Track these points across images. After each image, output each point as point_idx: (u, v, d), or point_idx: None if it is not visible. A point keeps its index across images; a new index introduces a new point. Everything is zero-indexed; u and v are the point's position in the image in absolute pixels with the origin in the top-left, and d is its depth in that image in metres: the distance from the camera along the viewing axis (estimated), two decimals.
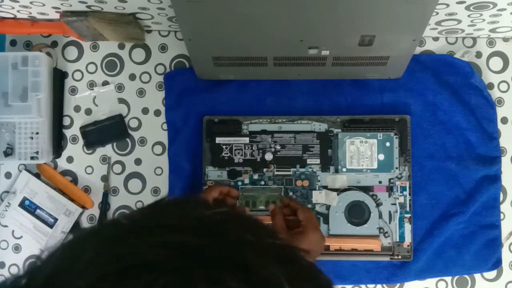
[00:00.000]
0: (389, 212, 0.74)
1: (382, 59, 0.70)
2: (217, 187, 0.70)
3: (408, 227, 0.74)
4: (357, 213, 0.74)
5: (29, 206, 0.78)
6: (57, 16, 0.72)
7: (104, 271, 0.23)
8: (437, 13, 0.66)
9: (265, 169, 0.75)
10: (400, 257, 0.74)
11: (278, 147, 0.75)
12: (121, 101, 0.80)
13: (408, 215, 0.74)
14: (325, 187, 0.75)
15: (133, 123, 0.80)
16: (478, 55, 0.79)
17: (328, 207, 0.74)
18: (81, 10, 0.69)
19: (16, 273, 0.25)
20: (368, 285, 0.77)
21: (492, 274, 0.76)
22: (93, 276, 0.23)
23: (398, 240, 0.74)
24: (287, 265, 0.26)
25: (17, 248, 0.79)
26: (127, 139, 0.79)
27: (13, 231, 0.78)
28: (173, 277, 0.22)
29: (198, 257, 0.24)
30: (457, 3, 0.61)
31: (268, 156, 0.75)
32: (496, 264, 0.75)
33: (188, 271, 0.23)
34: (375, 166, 0.74)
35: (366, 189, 0.74)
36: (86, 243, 0.26)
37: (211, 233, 0.26)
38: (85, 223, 0.79)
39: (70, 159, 0.79)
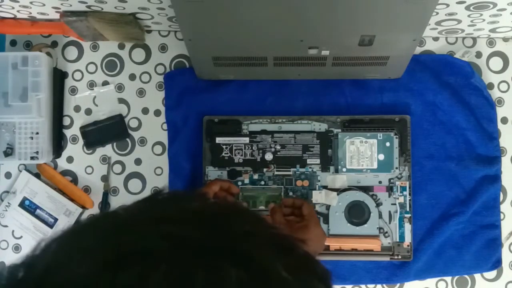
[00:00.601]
0: (389, 212, 0.74)
1: (382, 59, 0.70)
2: (218, 181, 0.71)
3: (408, 227, 0.74)
4: (357, 213, 0.74)
5: (29, 206, 0.78)
6: (57, 16, 0.72)
7: (104, 259, 0.23)
8: (437, 13, 0.66)
9: (265, 169, 0.75)
10: (400, 257, 0.74)
11: (278, 147, 0.75)
12: (121, 101, 0.80)
13: (408, 215, 0.74)
14: (325, 187, 0.75)
15: (133, 123, 0.80)
16: (478, 55, 0.79)
17: (328, 207, 0.74)
18: (81, 10, 0.69)
19: (12, 264, 0.25)
20: (368, 285, 0.77)
21: (492, 274, 0.76)
22: (92, 264, 0.23)
23: (398, 240, 0.74)
24: (285, 254, 0.26)
25: (17, 248, 0.79)
26: (127, 139, 0.79)
27: (13, 231, 0.78)
28: (173, 266, 0.22)
29: (197, 247, 0.24)
30: (457, 3, 0.61)
31: (268, 156, 0.75)
32: (496, 264, 0.75)
33: (188, 260, 0.23)
34: (375, 166, 0.74)
35: (366, 189, 0.74)
36: (84, 233, 0.26)
37: (210, 224, 0.26)
38: None
39: (70, 159, 0.79)
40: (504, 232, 0.77)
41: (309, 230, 0.63)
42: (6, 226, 0.78)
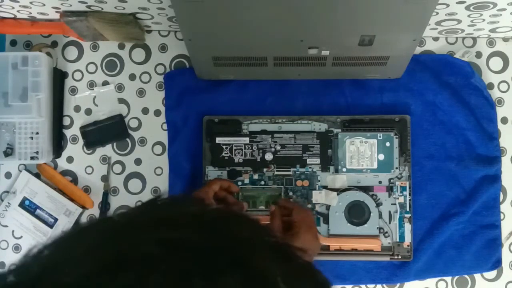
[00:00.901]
0: (389, 212, 0.74)
1: (382, 59, 0.70)
2: (218, 180, 0.71)
3: (408, 227, 0.74)
4: (357, 213, 0.74)
5: (29, 206, 0.78)
6: (57, 16, 0.72)
7: (103, 262, 0.23)
8: (437, 13, 0.66)
9: (265, 169, 0.75)
10: (400, 257, 0.74)
11: (278, 147, 0.75)
12: (121, 101, 0.80)
13: (408, 215, 0.74)
14: (325, 187, 0.75)
15: (133, 123, 0.80)
16: (478, 55, 0.79)
17: (328, 207, 0.74)
18: (81, 10, 0.69)
19: (8, 267, 0.24)
20: (368, 285, 0.77)
21: (492, 274, 0.76)
22: (91, 266, 0.23)
23: (398, 240, 0.74)
24: (283, 262, 0.26)
25: (17, 248, 0.79)
26: (127, 139, 0.79)
27: (13, 231, 0.78)
28: (169, 270, 0.22)
29: (195, 252, 0.24)
30: (457, 3, 0.61)
31: (268, 156, 0.75)
32: (496, 264, 0.75)
33: (187, 262, 0.23)
34: (375, 166, 0.74)
35: (366, 189, 0.74)
36: (83, 237, 0.26)
37: (209, 228, 0.26)
38: None
39: (70, 159, 0.79)
40: (504, 232, 0.77)
41: (298, 238, 0.62)
42: (6, 226, 0.78)
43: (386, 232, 0.74)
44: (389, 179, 0.75)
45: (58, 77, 0.78)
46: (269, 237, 0.29)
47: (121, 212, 0.29)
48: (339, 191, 0.74)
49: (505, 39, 0.79)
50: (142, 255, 0.23)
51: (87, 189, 0.79)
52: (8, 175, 0.79)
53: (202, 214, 0.28)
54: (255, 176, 0.75)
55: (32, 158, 0.75)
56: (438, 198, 0.76)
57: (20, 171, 0.79)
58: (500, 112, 0.78)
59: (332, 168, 0.75)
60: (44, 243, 0.26)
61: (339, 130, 0.75)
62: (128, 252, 0.23)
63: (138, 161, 0.79)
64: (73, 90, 0.80)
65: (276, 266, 0.25)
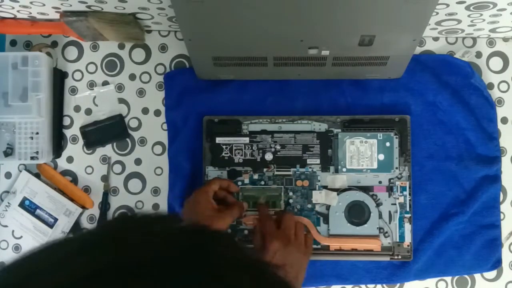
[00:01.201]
0: (389, 212, 0.74)
1: (382, 59, 0.70)
2: (217, 180, 0.71)
3: (408, 227, 0.74)
4: (357, 213, 0.74)
5: (29, 206, 0.78)
6: (57, 16, 0.72)
7: (74, 277, 0.22)
8: (437, 13, 0.66)
9: (265, 169, 0.75)
10: (400, 257, 0.74)
11: (278, 147, 0.75)
12: (121, 101, 0.80)
13: (408, 215, 0.74)
14: (325, 187, 0.75)
15: (133, 123, 0.80)
16: (478, 55, 0.79)
17: (328, 207, 0.74)
18: (81, 10, 0.69)
19: None
20: (368, 285, 0.77)
21: (492, 274, 0.76)
22: (65, 279, 0.22)
23: (398, 240, 0.74)
24: (259, 280, 0.26)
25: (17, 248, 0.79)
26: (127, 139, 0.79)
27: (13, 231, 0.78)
28: (143, 287, 0.22)
29: (168, 269, 0.23)
30: (457, 3, 0.61)
31: (268, 156, 0.75)
32: (496, 264, 0.75)
33: (158, 281, 0.22)
34: (375, 166, 0.74)
35: (366, 189, 0.74)
36: (41, 260, 0.25)
37: (182, 246, 0.26)
38: (85, 223, 0.79)
39: (70, 159, 0.79)
40: (504, 232, 0.77)
41: (266, 253, 0.63)
42: (6, 226, 0.78)
43: (386, 232, 0.74)
44: (389, 179, 0.75)
45: (58, 77, 0.78)
46: (243, 255, 0.28)
47: (96, 226, 0.28)
48: (339, 191, 0.74)
49: (505, 39, 0.79)
50: (115, 270, 0.22)
51: (87, 189, 0.79)
52: (8, 175, 0.79)
53: (176, 232, 0.28)
54: (255, 176, 0.75)
55: (32, 158, 0.75)
56: (438, 198, 0.76)
57: (20, 171, 0.79)
58: (500, 112, 0.78)
59: (332, 168, 0.75)
60: (12, 260, 0.25)
61: (339, 130, 0.75)
62: (102, 267, 0.23)
63: (138, 161, 0.79)
64: (73, 90, 0.80)
65: (251, 284, 0.25)
